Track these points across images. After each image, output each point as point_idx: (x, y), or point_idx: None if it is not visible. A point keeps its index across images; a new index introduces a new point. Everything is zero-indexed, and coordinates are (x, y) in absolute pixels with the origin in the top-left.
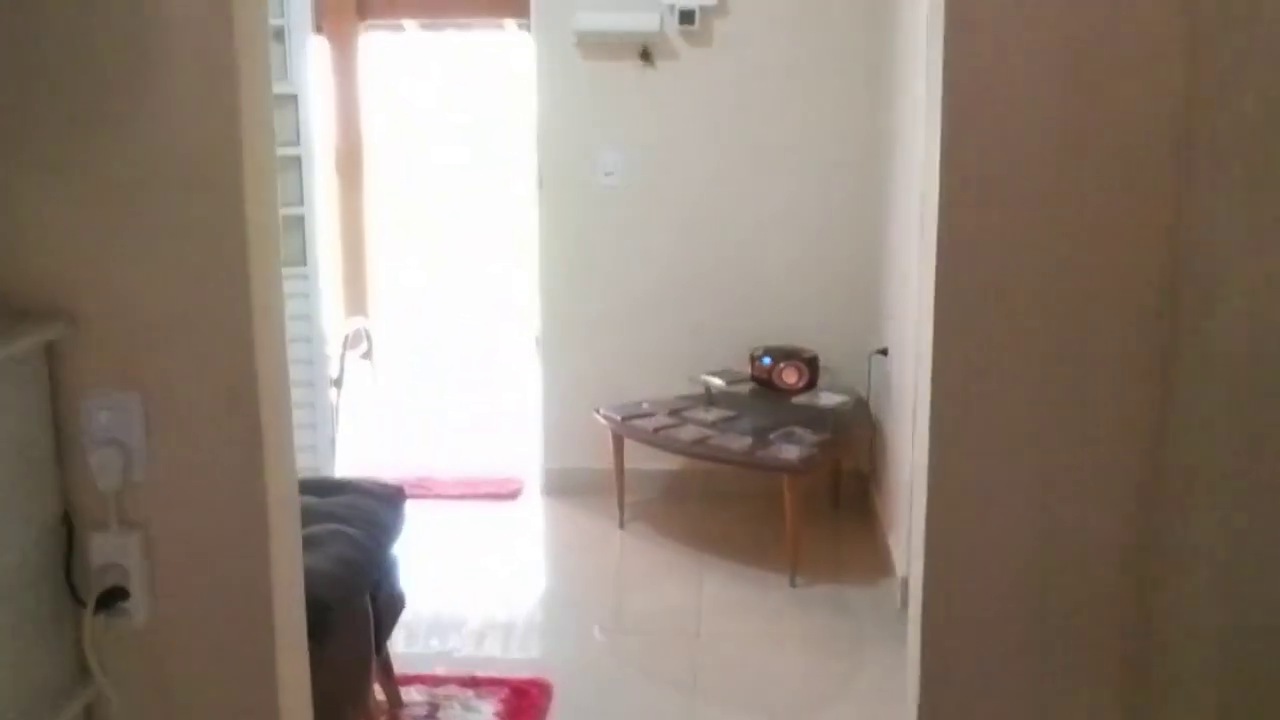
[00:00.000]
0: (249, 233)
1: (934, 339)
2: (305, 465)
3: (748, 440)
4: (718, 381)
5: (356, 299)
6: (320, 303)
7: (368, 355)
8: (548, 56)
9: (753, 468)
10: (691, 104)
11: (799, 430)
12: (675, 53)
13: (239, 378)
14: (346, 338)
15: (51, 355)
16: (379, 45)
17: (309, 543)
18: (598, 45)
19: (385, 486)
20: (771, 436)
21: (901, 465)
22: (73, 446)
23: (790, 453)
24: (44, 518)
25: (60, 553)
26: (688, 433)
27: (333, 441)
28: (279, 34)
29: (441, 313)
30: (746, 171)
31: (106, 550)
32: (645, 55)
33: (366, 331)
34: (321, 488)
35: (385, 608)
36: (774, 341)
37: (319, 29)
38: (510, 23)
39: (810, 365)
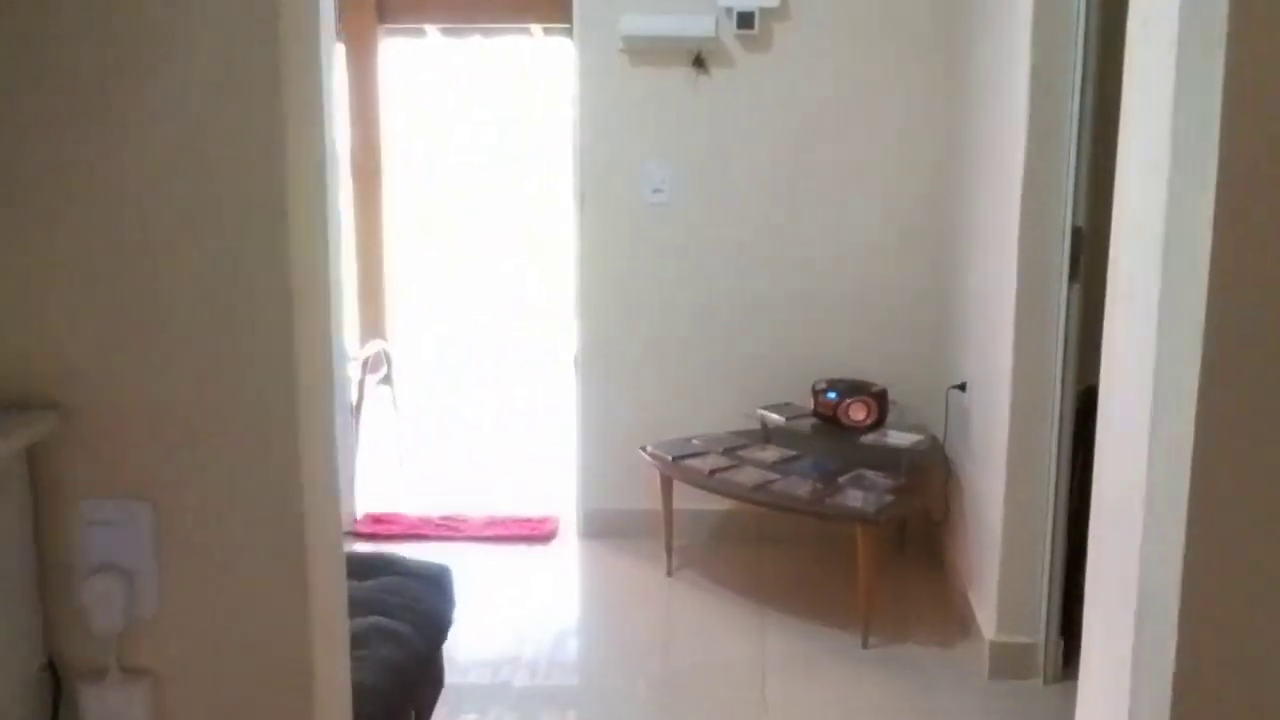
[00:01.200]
0: (295, 307)
1: (1200, 394)
2: None
3: (813, 485)
4: (776, 417)
5: (374, 317)
6: (339, 322)
7: (387, 379)
8: (590, 63)
9: (821, 517)
10: (748, 115)
11: (869, 474)
12: (731, 59)
13: (280, 485)
14: (366, 361)
15: (36, 459)
16: (400, 51)
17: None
18: (646, 51)
19: (430, 566)
20: (840, 480)
21: (983, 513)
22: (60, 574)
23: (863, 500)
24: (22, 668)
25: (44, 713)
26: (746, 475)
27: (351, 479)
28: None
29: (468, 333)
30: (808, 188)
31: (104, 708)
32: (699, 62)
33: (386, 354)
34: (358, 567)
35: (427, 698)
36: (838, 373)
37: (336, 33)
38: (537, 28)
39: (879, 400)
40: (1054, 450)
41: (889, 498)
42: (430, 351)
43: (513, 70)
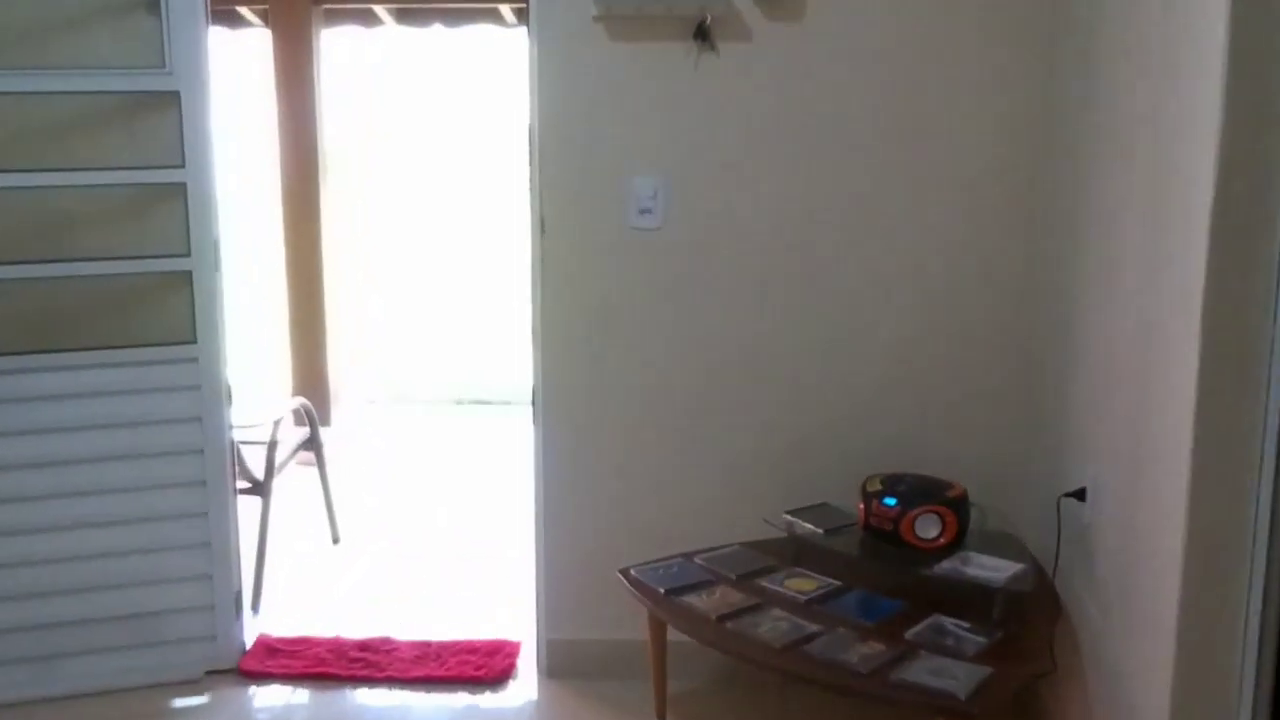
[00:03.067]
0: None
1: None
2: (198, 644)
3: (870, 643)
4: (810, 527)
5: (310, 364)
6: (219, 392)
7: (311, 445)
8: (553, 38)
9: (886, 701)
10: (771, 106)
11: (950, 624)
12: (747, 30)
13: None
14: (276, 424)
15: None
16: (344, 42)
17: None
18: (631, 20)
19: None
20: (908, 636)
21: (1124, 680)
22: None
23: (945, 674)
24: None
25: None
26: (771, 626)
27: (238, 596)
28: (152, 3)
29: (419, 378)
30: (853, 208)
31: None
32: (702, 34)
33: (308, 412)
34: None
35: None
36: (897, 466)
37: (264, 19)
38: (507, 8)
39: (957, 510)
40: (1258, 590)
41: (985, 671)
42: (375, 403)
43: (481, 66)
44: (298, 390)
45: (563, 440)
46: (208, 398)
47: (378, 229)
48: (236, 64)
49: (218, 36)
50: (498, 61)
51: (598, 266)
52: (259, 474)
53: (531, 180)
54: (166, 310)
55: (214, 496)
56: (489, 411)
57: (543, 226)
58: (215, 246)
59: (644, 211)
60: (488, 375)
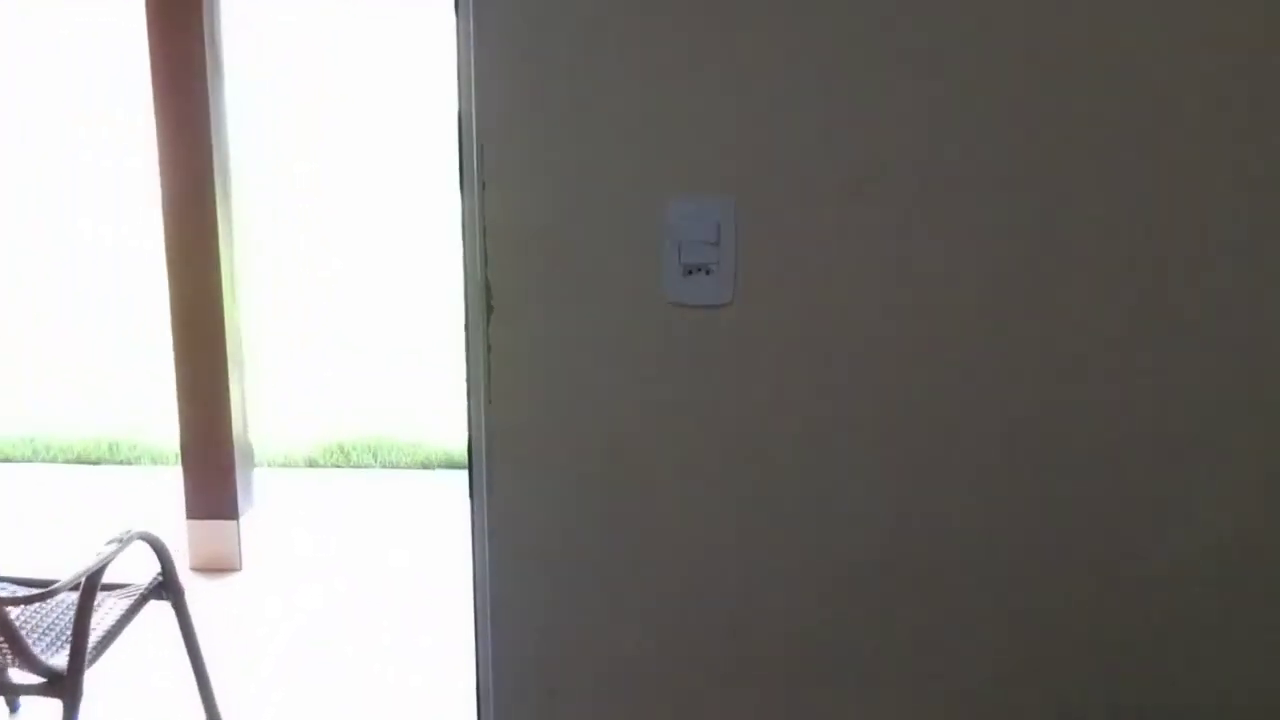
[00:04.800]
0: None
1: None
2: None
3: None
4: None
5: (206, 425)
6: None
7: (166, 593)
8: None
9: None
10: (944, 71)
11: None
12: None
13: None
14: (89, 578)
15: None
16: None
17: None
18: None
19: None
20: None
21: None
22: None
23: None
24: None
25: None
26: None
27: None
28: None
29: (371, 431)
30: (1067, 259)
31: None
32: None
33: (157, 549)
34: None
35: None
36: None
37: None
38: None
39: None
40: None
41: None
42: (314, 476)
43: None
44: (192, 465)
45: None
46: None
47: (309, 245)
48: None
49: None
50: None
51: (600, 384)
52: (60, 660)
53: (465, 220)
54: None
55: None
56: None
57: (488, 303)
58: None
59: (695, 270)
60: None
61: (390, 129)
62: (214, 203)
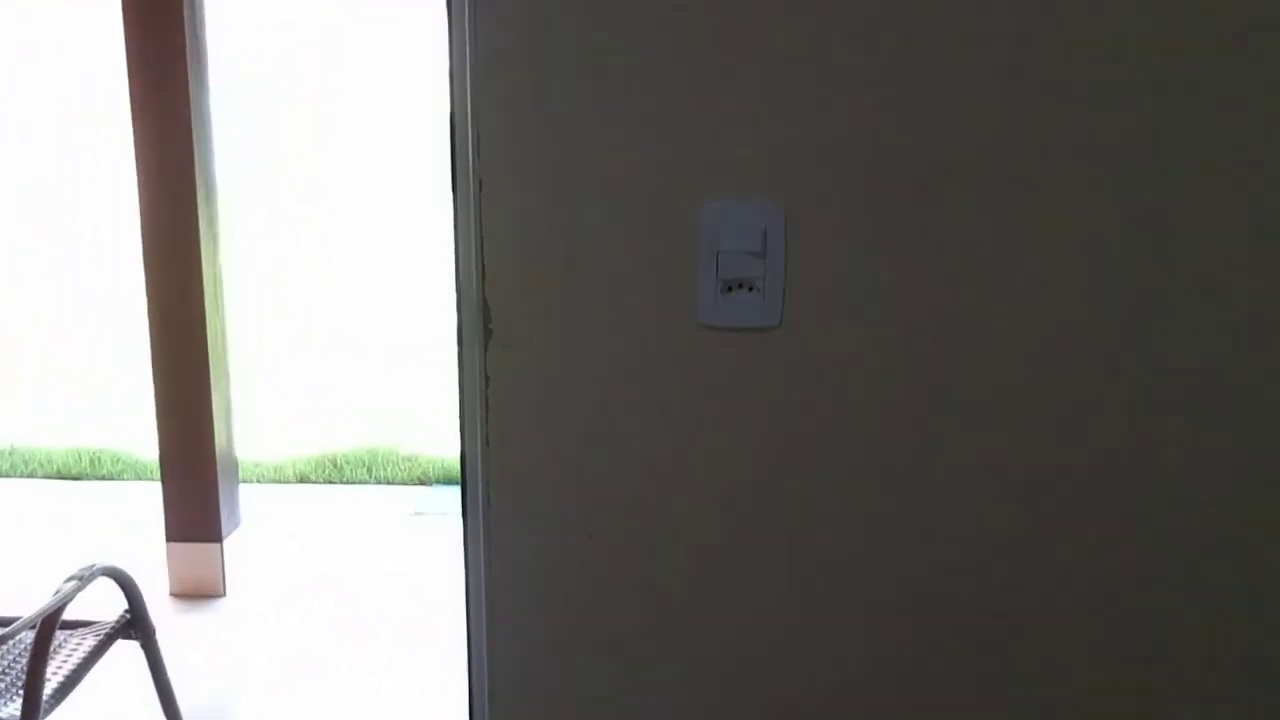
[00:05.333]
0: None
1: None
2: None
3: None
4: None
5: (185, 437)
6: None
7: (135, 632)
8: None
9: None
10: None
11: None
12: None
13: None
14: (45, 620)
15: None
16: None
17: None
18: None
19: None
20: None
21: None
22: None
23: None
24: None
25: None
26: None
27: None
28: None
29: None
30: (1182, 271)
31: None
32: None
33: (123, 584)
34: None
35: None
36: None
37: None
38: None
39: None
40: None
41: None
42: (306, 493)
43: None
44: (172, 482)
45: None
46: None
47: (299, 250)
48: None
49: None
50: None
51: (619, 424)
52: (12, 711)
53: (459, 227)
54: None
55: None
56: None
57: (486, 326)
58: None
59: (736, 286)
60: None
61: (390, 128)
62: (195, 203)
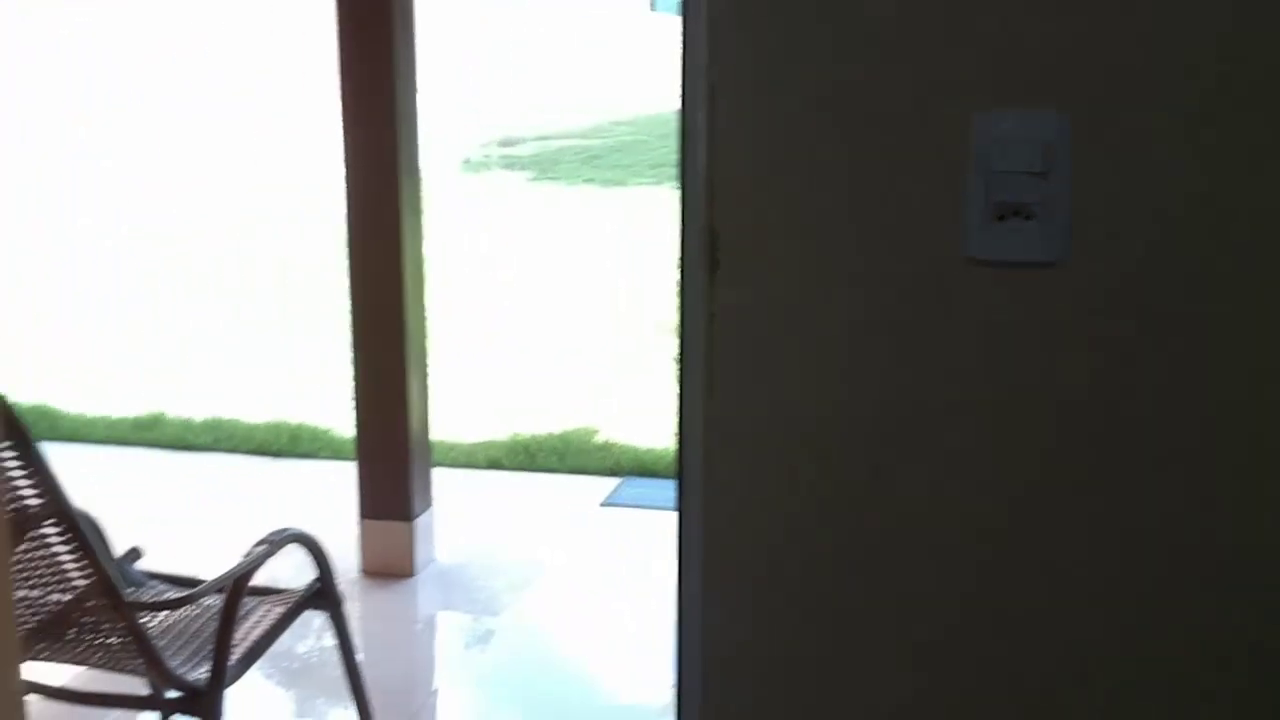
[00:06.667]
0: None
1: None
2: None
3: None
4: None
5: (383, 416)
6: None
7: (323, 603)
8: None
9: None
10: None
11: None
12: None
13: None
14: (236, 582)
15: None
16: None
17: None
18: None
19: None
20: None
21: None
22: None
23: None
24: None
25: None
26: None
27: None
28: None
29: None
30: None
31: None
32: None
33: (313, 550)
34: None
35: None
36: None
37: None
38: None
39: None
40: None
41: None
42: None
43: None
44: (367, 463)
45: None
46: None
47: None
48: None
49: None
50: None
51: (863, 371)
52: (198, 673)
53: (686, 142)
54: None
55: None
56: None
57: (713, 257)
58: None
59: (1010, 214)
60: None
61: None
62: (399, 194)
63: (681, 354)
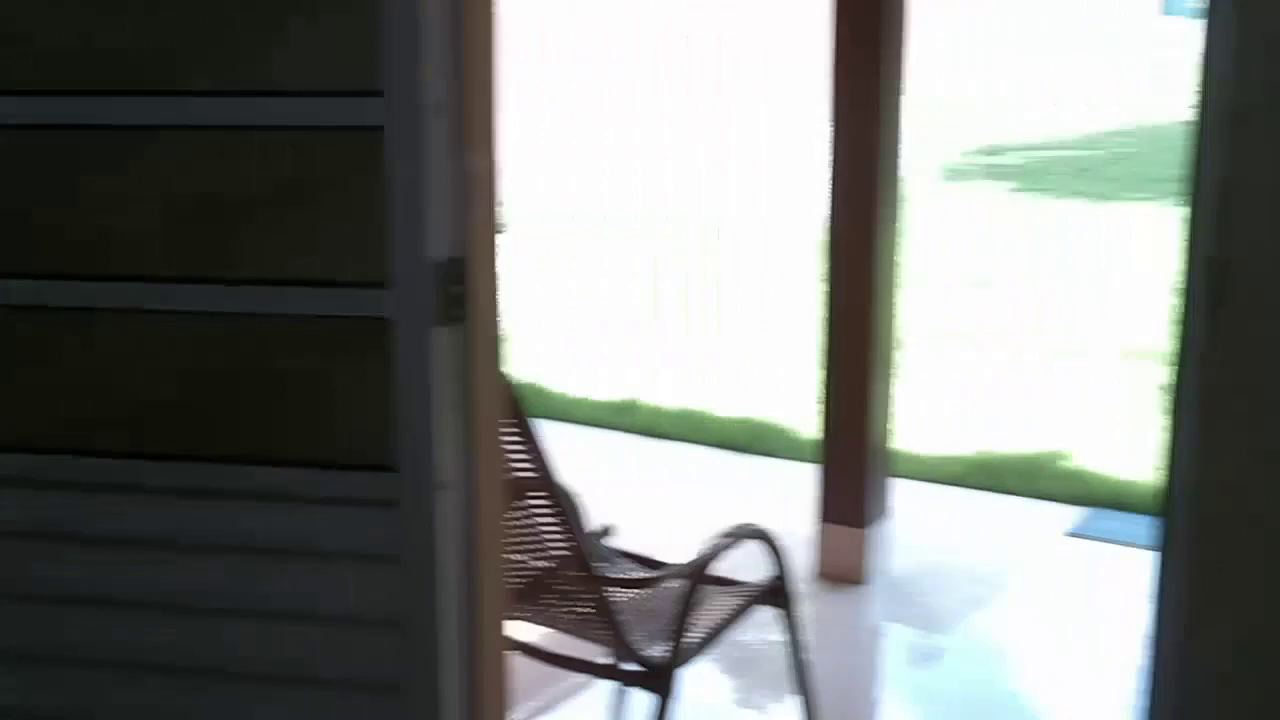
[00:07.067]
0: None
1: None
2: None
3: None
4: None
5: (846, 423)
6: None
7: (775, 596)
8: None
9: None
10: None
11: None
12: None
13: None
14: (696, 569)
15: None
16: None
17: None
18: None
19: None
20: None
21: None
22: None
23: None
24: None
25: None
26: None
27: None
28: None
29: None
30: None
31: None
32: None
33: (774, 546)
34: None
35: None
36: None
37: None
38: None
39: None
40: None
41: None
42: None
43: None
44: (826, 467)
45: None
46: (420, 588)
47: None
48: None
49: None
50: None
51: None
52: (655, 650)
53: (1202, 171)
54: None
55: None
56: None
57: (1218, 288)
58: (452, 271)
59: None
60: None
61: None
62: (877, 202)
63: (1176, 387)
